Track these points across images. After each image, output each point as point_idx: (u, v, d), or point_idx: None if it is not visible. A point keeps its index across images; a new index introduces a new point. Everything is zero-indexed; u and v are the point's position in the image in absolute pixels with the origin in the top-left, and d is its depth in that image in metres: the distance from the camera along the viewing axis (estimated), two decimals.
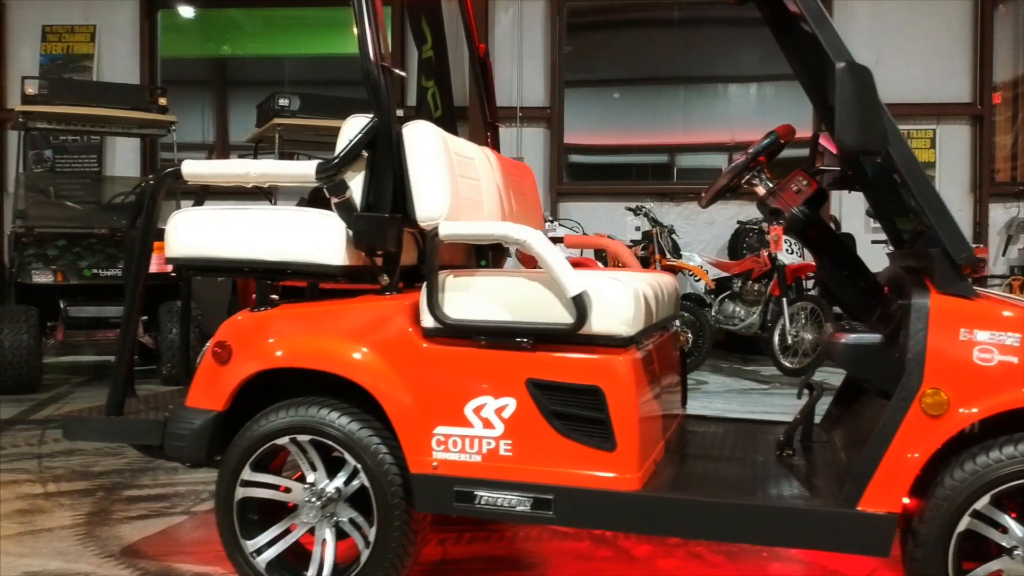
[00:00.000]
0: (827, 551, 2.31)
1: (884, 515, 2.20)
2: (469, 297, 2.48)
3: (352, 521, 2.57)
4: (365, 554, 2.51)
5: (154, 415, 2.83)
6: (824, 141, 3.61)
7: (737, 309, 8.19)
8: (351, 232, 2.59)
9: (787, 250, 8.01)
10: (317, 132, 7.48)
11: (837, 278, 2.94)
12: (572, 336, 2.38)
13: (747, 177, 3.06)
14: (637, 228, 8.89)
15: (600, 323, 2.37)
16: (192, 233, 2.72)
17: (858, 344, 2.48)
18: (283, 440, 2.57)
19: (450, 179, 2.62)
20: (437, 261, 2.49)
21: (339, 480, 2.57)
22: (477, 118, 9.62)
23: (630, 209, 8.81)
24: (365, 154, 2.64)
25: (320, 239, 2.59)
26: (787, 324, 7.48)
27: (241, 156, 10.87)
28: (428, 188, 2.60)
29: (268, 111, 7.86)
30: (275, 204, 8.43)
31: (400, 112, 7.79)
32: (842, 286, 2.93)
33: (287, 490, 2.63)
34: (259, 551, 2.62)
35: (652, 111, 10.31)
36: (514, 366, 2.42)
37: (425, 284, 2.49)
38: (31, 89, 6.84)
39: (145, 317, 6.93)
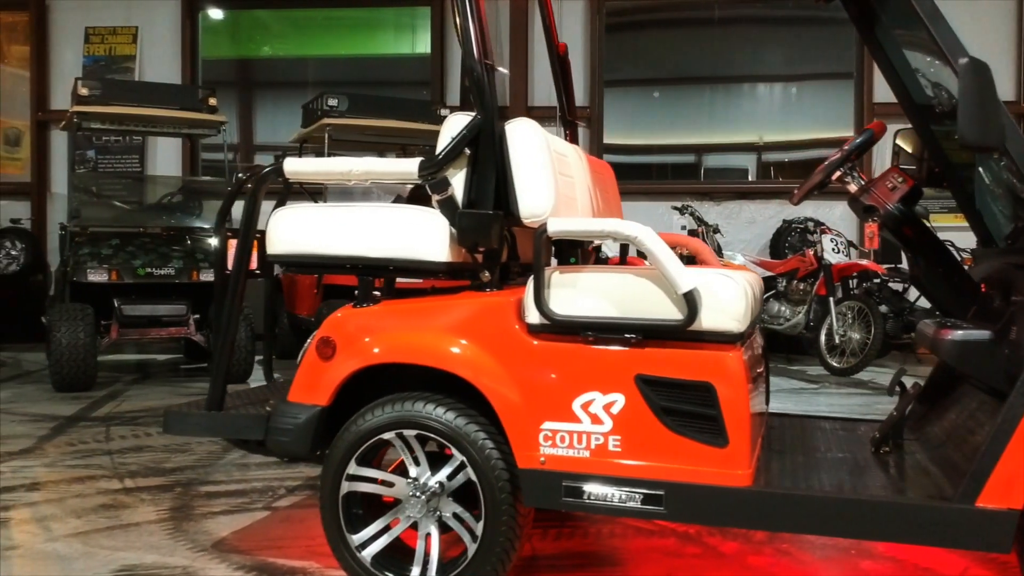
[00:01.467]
0: (944, 548, 2.30)
1: (1004, 511, 2.19)
2: (575, 293, 2.49)
3: (456, 516, 2.59)
4: (472, 548, 2.53)
5: (254, 410, 2.86)
6: (900, 140, 3.60)
7: (782, 309, 8.17)
8: (454, 229, 2.62)
9: (833, 249, 7.99)
10: (365, 132, 7.50)
11: (932, 275, 2.94)
12: (682, 332, 2.39)
13: (838, 174, 3.06)
14: (683, 227, 8.88)
15: (711, 319, 2.38)
16: (293, 230, 2.74)
17: (967, 340, 2.48)
18: (389, 435, 2.59)
19: (553, 176, 2.64)
20: (543, 258, 2.51)
21: (442, 474, 2.59)
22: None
23: (676, 208, 8.81)
24: (467, 152, 2.66)
25: (424, 236, 2.61)
26: (834, 324, 7.45)
27: (284, 156, 10.92)
28: (532, 185, 2.61)
29: (315, 111, 7.90)
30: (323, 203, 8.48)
31: (446, 111, 7.81)
32: (937, 283, 2.93)
33: (390, 485, 2.66)
34: (363, 545, 2.64)
35: (691, 110, 10.29)
36: (623, 362, 2.43)
37: (531, 280, 2.51)
38: (85, 90, 6.91)
39: (197, 315, 6.99)
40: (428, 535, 2.60)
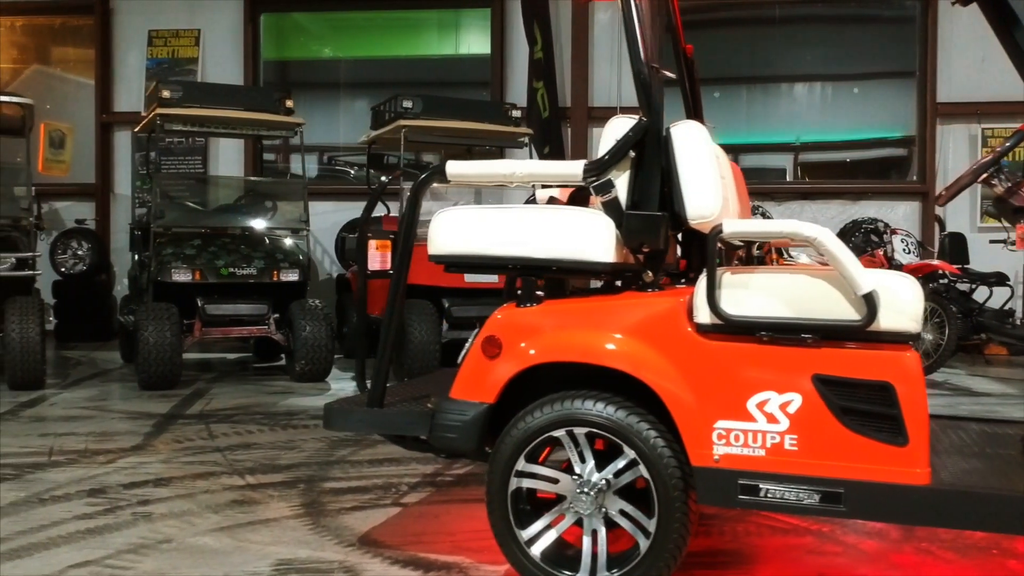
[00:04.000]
0: None
1: None
2: (748, 294, 2.52)
3: (622, 512, 2.63)
4: (644, 545, 2.57)
5: (415, 407, 2.91)
6: None
7: None
8: (618, 230, 2.66)
9: (904, 249, 7.97)
10: (439, 133, 7.56)
11: None
12: (860, 333, 2.42)
13: (984, 176, 3.08)
14: None
15: (889, 320, 2.41)
16: (457, 231, 2.79)
17: None
18: (559, 432, 2.63)
19: (719, 178, 2.68)
20: (715, 259, 2.55)
21: (609, 472, 2.63)
22: (581, 119, 9.69)
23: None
24: (632, 154, 2.70)
25: (590, 237, 2.65)
26: None
27: (334, 158, 11.04)
28: (700, 187, 2.65)
29: (386, 113, 7.98)
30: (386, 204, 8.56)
31: (518, 112, 7.87)
32: None
33: (554, 481, 2.70)
34: (531, 541, 2.69)
35: (751, 110, 10.29)
36: (799, 362, 2.46)
37: (703, 281, 2.54)
38: (167, 92, 7.02)
39: (276, 315, 7.08)
40: (595, 531, 2.65)
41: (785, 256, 8.23)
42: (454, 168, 2.83)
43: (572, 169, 2.72)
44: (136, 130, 8.11)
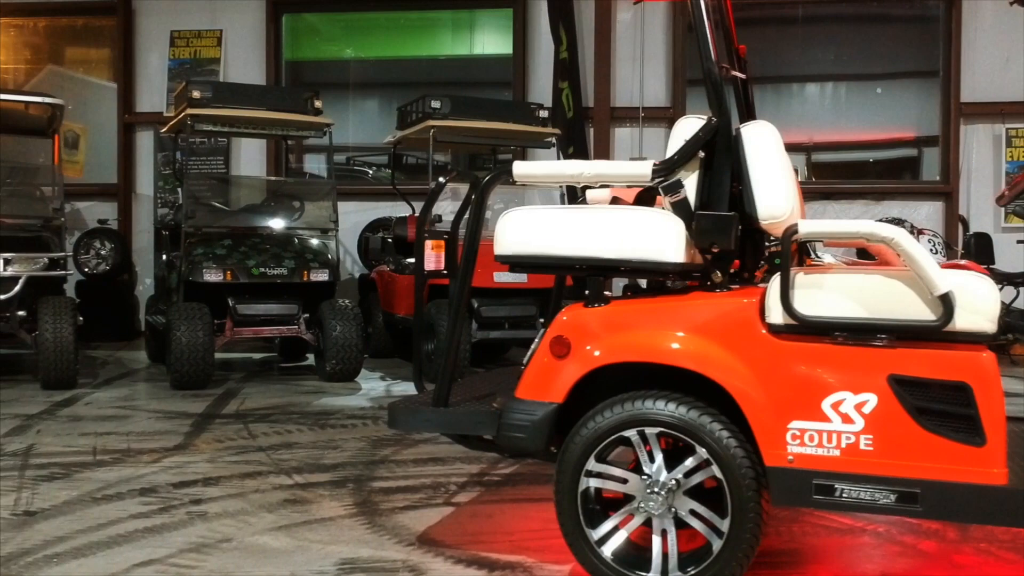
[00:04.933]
0: None
1: None
2: (822, 294, 2.53)
3: (692, 512, 2.64)
4: (717, 544, 2.57)
5: (481, 407, 2.91)
6: None
7: None
8: (687, 231, 2.66)
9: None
10: (467, 133, 7.56)
11: None
12: (936, 333, 2.42)
13: None
14: None
15: (966, 320, 2.41)
16: (524, 231, 2.80)
17: None
18: (631, 432, 2.64)
19: (791, 179, 2.68)
20: (789, 260, 2.55)
21: (679, 471, 2.64)
22: (603, 119, 9.69)
23: None
24: (701, 154, 2.71)
25: (662, 237, 2.65)
26: None
27: (352, 158, 11.06)
28: (773, 187, 2.65)
29: (412, 113, 7.99)
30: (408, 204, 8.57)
31: (545, 112, 7.87)
32: None
33: (623, 481, 2.71)
34: (601, 541, 2.69)
35: (775, 109, 10.28)
36: (875, 363, 2.47)
37: (776, 281, 2.54)
38: (197, 93, 7.03)
39: (307, 315, 7.09)
40: (664, 531, 2.65)
41: (813, 256, 8.22)
42: (521, 169, 2.83)
43: (640, 169, 2.73)
44: (163, 131, 8.13)
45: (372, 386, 6.89)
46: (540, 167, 2.87)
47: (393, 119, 8.66)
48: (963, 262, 7.77)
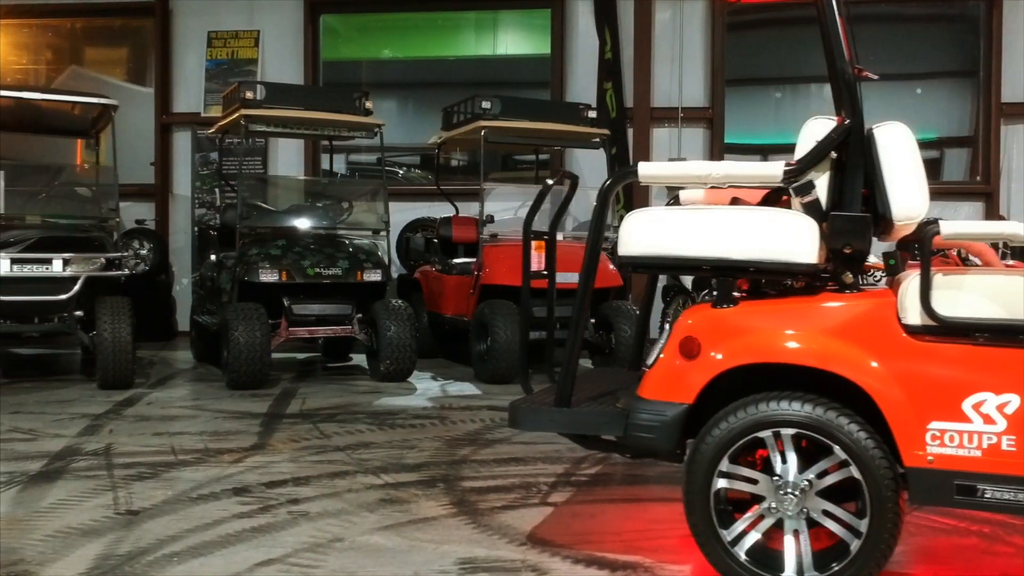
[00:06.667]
0: None
1: None
2: (961, 296, 2.54)
3: (826, 512, 2.64)
4: (855, 544, 2.58)
5: (604, 407, 2.92)
6: None
7: None
8: (820, 232, 2.67)
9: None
10: (513, 133, 7.57)
11: None
12: None
13: None
14: None
15: None
16: (649, 232, 2.81)
17: None
18: (765, 433, 2.64)
19: (925, 179, 2.69)
20: (930, 260, 2.55)
21: (812, 472, 2.64)
22: (643, 119, 9.69)
23: None
24: (832, 155, 2.71)
25: (795, 238, 2.66)
26: None
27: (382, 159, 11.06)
28: (909, 188, 2.66)
29: (457, 114, 8.00)
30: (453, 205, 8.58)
31: (592, 112, 7.87)
32: None
33: (754, 482, 2.71)
34: (733, 542, 2.70)
35: (812, 110, 10.27)
36: (1017, 364, 2.47)
37: (914, 281, 2.55)
38: (249, 93, 7.05)
39: (360, 315, 7.11)
40: (797, 532, 2.66)
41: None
42: (647, 169, 2.83)
43: (771, 170, 2.73)
44: (212, 131, 8.14)
45: (427, 386, 6.90)
46: (666, 168, 2.87)
47: (425, 119, 8.67)
48: (1012, 263, 7.76)
